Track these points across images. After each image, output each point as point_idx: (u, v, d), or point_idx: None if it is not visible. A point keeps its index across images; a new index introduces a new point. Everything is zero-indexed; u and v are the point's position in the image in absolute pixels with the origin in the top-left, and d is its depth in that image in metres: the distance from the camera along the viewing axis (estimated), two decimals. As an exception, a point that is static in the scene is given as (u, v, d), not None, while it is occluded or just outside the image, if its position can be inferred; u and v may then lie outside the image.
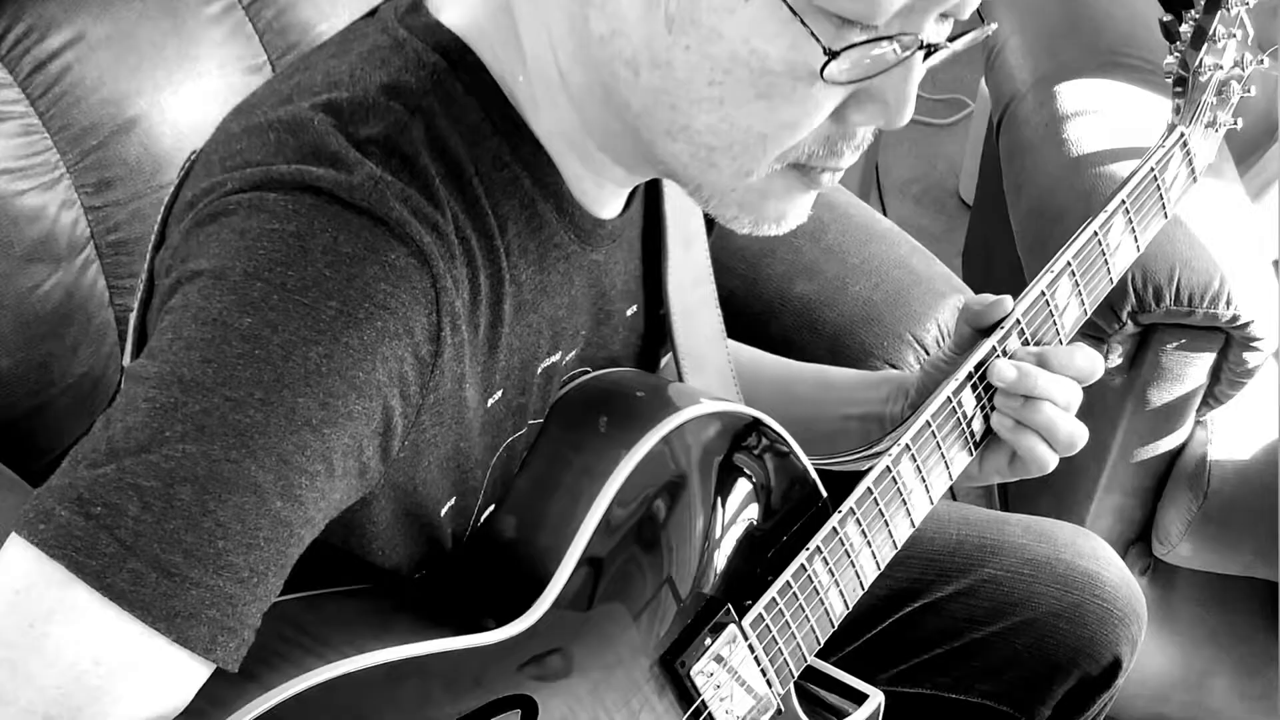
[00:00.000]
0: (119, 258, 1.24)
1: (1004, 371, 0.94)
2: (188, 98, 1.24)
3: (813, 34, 0.63)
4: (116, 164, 1.21)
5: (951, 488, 1.72)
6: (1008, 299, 0.96)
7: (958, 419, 0.95)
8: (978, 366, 0.95)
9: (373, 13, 0.76)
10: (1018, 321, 0.96)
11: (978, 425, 0.97)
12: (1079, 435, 0.95)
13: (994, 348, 0.95)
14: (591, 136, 0.75)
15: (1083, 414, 0.96)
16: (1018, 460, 0.98)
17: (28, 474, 1.16)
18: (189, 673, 0.61)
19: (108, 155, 1.21)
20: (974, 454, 0.98)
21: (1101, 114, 1.63)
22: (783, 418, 0.92)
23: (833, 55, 0.64)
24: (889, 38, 0.65)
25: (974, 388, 0.95)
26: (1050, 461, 0.96)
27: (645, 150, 0.73)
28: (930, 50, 0.67)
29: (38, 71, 1.17)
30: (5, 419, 1.20)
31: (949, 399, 0.94)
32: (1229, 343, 1.50)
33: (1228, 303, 1.45)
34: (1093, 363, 0.96)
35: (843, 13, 0.63)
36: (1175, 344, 1.50)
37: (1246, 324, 1.47)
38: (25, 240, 1.17)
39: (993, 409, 0.97)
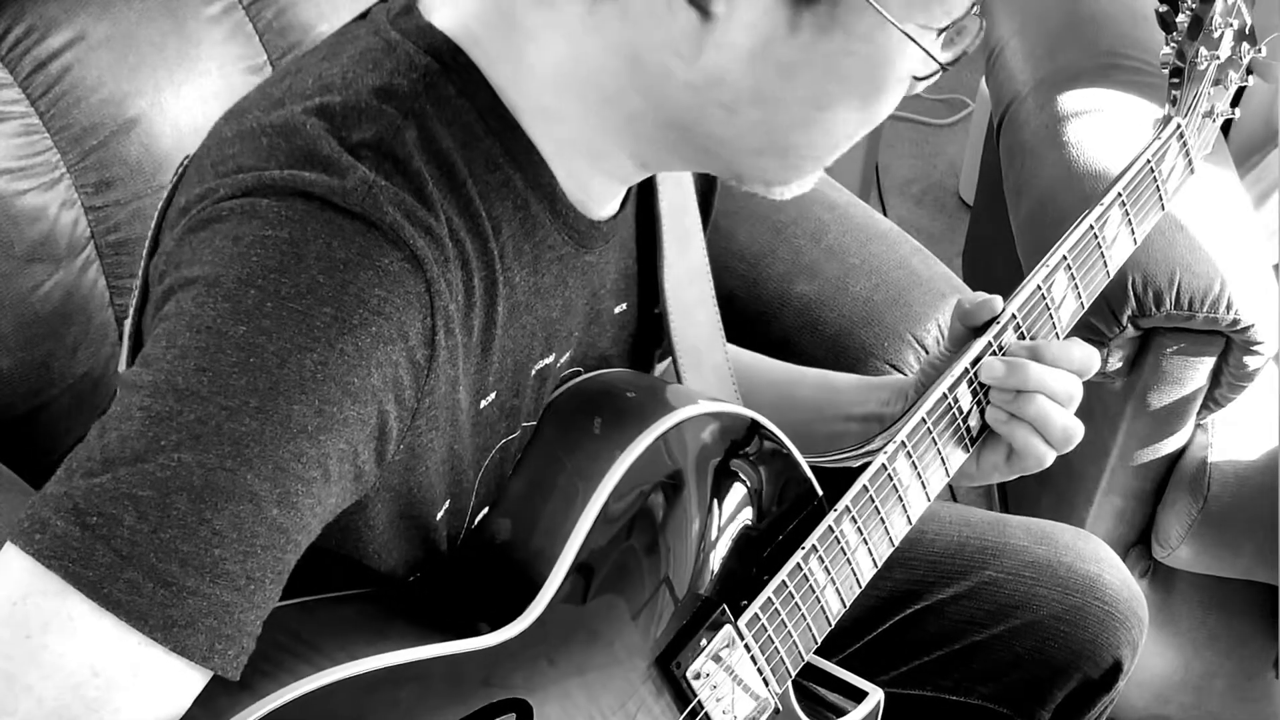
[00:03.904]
0: (119, 258, 1.24)
1: (993, 368, 0.94)
2: (188, 98, 1.24)
3: (929, 54, 0.70)
4: (117, 164, 1.21)
5: (952, 490, 1.71)
6: (997, 299, 0.96)
7: (953, 415, 0.95)
8: (973, 363, 0.95)
9: (364, 15, 0.76)
10: (1014, 316, 0.96)
11: (974, 422, 0.97)
12: (1074, 430, 0.95)
13: (989, 343, 0.95)
14: (621, 144, 0.75)
15: (1083, 417, 0.95)
16: (1015, 456, 0.97)
17: (27, 474, 1.15)
18: (187, 681, 0.61)
19: (108, 155, 1.21)
20: (970, 450, 0.98)
21: (1102, 116, 1.63)
22: (783, 421, 0.92)
23: (944, 68, 0.71)
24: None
25: (969, 384, 0.95)
26: (1047, 457, 0.96)
27: (702, 159, 0.76)
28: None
29: (38, 71, 1.17)
30: (5, 419, 1.20)
31: (945, 395, 0.94)
32: (1229, 346, 1.50)
33: (1228, 306, 1.45)
34: (1088, 356, 0.96)
35: (935, 24, 0.69)
36: (1175, 348, 1.50)
37: (1247, 328, 1.47)
38: (25, 240, 1.17)
39: (988, 404, 0.96)
